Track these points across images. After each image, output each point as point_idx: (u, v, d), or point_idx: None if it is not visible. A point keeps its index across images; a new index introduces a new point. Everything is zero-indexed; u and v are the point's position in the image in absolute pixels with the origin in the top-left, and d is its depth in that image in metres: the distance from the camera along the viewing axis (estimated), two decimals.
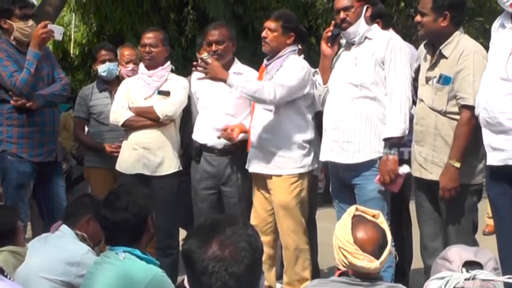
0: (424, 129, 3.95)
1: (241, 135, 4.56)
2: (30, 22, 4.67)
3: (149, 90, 4.88)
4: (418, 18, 3.97)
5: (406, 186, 4.60)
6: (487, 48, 3.81)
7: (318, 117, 4.46)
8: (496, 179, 3.69)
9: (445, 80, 3.83)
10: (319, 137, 4.43)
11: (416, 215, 4.22)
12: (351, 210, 2.77)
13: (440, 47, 3.87)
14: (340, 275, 2.69)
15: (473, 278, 2.18)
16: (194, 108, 4.91)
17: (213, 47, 4.56)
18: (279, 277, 4.74)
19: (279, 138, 4.37)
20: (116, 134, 5.16)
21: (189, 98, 4.92)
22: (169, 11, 10.78)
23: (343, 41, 4.33)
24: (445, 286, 2.20)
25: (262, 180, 4.48)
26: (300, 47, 4.54)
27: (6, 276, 2.76)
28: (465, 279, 2.18)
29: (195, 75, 4.95)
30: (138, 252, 3.01)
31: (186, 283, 1.94)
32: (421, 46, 4.11)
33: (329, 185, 4.51)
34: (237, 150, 4.62)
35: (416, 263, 4.61)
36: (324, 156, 4.29)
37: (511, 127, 3.50)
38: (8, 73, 4.53)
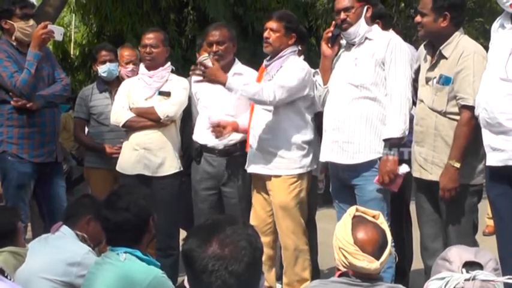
0: (424, 130, 3.95)
1: (240, 135, 4.56)
2: (31, 22, 4.68)
3: (150, 91, 4.88)
4: (418, 18, 3.97)
5: (406, 187, 4.60)
6: (487, 48, 3.81)
7: (318, 118, 4.46)
8: (496, 180, 3.69)
9: (445, 81, 3.84)
10: (319, 137, 4.43)
11: (417, 216, 4.22)
12: (351, 210, 2.77)
13: (440, 48, 3.87)
14: (340, 276, 2.69)
15: (474, 279, 2.18)
16: (194, 108, 4.92)
17: (214, 48, 4.56)
18: (279, 278, 4.74)
19: (278, 138, 4.37)
20: (116, 134, 5.16)
21: (190, 98, 4.92)
22: (169, 12, 10.77)
23: (343, 42, 4.33)
24: (445, 286, 2.20)
25: (261, 181, 4.48)
26: (299, 47, 4.54)
27: (6, 277, 2.77)
28: (465, 280, 2.19)
29: (195, 77, 4.96)
30: (139, 253, 3.01)
31: (186, 283, 1.95)
32: (421, 47, 4.12)
33: (329, 186, 4.51)
34: (237, 151, 4.62)
35: (417, 263, 4.61)
36: (324, 157, 4.29)
37: (510, 127, 3.50)
38: (8, 74, 4.53)
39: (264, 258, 2.78)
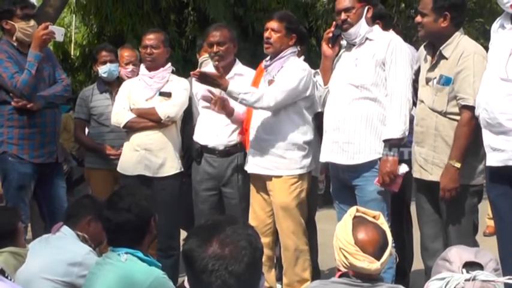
0: (425, 130, 3.95)
1: (239, 136, 4.57)
2: (32, 22, 4.68)
3: (150, 92, 4.88)
4: (418, 18, 3.97)
5: (406, 187, 4.60)
6: (487, 49, 3.81)
7: (318, 118, 4.46)
8: (496, 180, 3.69)
9: (445, 81, 3.84)
10: (319, 138, 4.44)
11: (417, 217, 4.22)
12: (352, 211, 2.77)
13: (441, 48, 3.87)
14: (340, 276, 2.70)
15: (474, 279, 2.18)
16: (195, 109, 4.92)
17: (214, 48, 4.56)
18: (278, 279, 4.74)
19: (280, 139, 4.37)
20: (116, 135, 5.16)
21: (190, 99, 4.92)
22: (169, 12, 10.78)
23: (343, 42, 4.33)
24: (445, 287, 2.20)
25: (261, 182, 4.48)
26: (299, 48, 4.54)
27: (6, 277, 2.77)
28: (465, 280, 2.19)
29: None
30: (140, 253, 3.02)
31: (186, 283, 1.95)
32: (421, 47, 4.12)
33: (329, 186, 4.51)
34: (237, 152, 4.63)
35: (417, 264, 4.62)
36: (324, 157, 4.29)
37: (511, 128, 3.50)
38: (8, 74, 4.53)
39: (263, 259, 2.78)
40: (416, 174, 4.05)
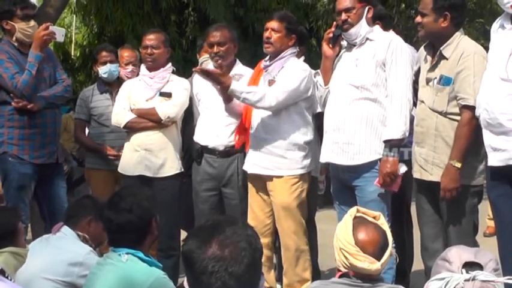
0: (425, 131, 3.95)
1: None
2: (32, 23, 4.68)
3: (151, 92, 4.88)
4: (418, 19, 3.97)
5: (407, 188, 4.60)
6: (488, 49, 3.81)
7: (319, 119, 4.47)
8: (497, 180, 3.69)
9: (445, 81, 3.84)
10: (319, 138, 4.43)
11: (417, 217, 4.22)
12: (352, 211, 2.77)
13: (441, 48, 3.87)
14: (341, 277, 2.69)
15: (473, 279, 2.18)
16: (196, 109, 4.92)
17: (215, 49, 4.56)
18: (277, 279, 4.74)
19: (281, 139, 4.37)
20: (116, 135, 5.16)
21: (191, 99, 4.92)
22: (170, 13, 10.78)
23: (344, 43, 4.33)
24: (445, 287, 2.20)
25: (261, 182, 4.47)
26: (297, 49, 4.54)
27: (7, 277, 2.78)
28: (465, 280, 2.19)
29: (197, 76, 4.96)
30: (141, 254, 3.02)
31: (186, 284, 1.95)
32: (421, 48, 4.12)
33: (330, 187, 4.51)
34: (238, 152, 4.63)
35: (417, 264, 4.61)
36: (324, 158, 4.28)
37: (511, 128, 3.50)
38: (9, 75, 4.53)
39: (262, 259, 2.78)
40: (416, 174, 4.05)
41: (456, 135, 3.79)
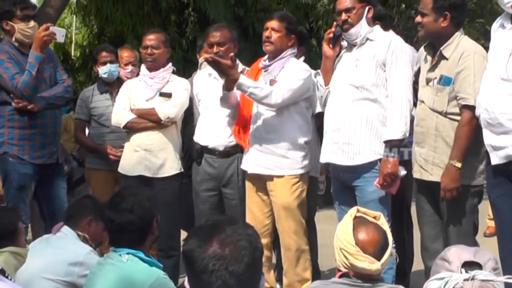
0: (425, 131, 3.95)
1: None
2: (32, 23, 4.68)
3: (151, 92, 4.88)
4: (418, 18, 3.97)
5: (407, 188, 4.61)
6: (488, 49, 3.81)
7: (319, 119, 4.46)
8: (498, 180, 3.68)
9: (445, 81, 3.84)
10: (319, 138, 4.43)
11: (417, 217, 4.22)
12: (352, 211, 2.77)
13: (441, 48, 3.88)
14: (341, 277, 2.69)
15: (473, 279, 2.18)
16: (196, 109, 4.92)
17: (214, 49, 4.55)
18: (276, 280, 4.74)
19: (282, 138, 4.36)
20: (116, 135, 5.16)
21: (191, 99, 4.92)
22: (170, 13, 10.80)
23: (344, 43, 4.33)
24: (444, 287, 2.19)
25: (261, 182, 4.46)
26: (295, 50, 4.53)
27: (7, 277, 2.78)
28: (464, 280, 2.18)
29: (197, 76, 4.97)
30: (141, 254, 3.01)
31: (186, 284, 1.95)
32: (421, 48, 4.12)
33: (330, 187, 4.51)
34: (237, 152, 4.63)
35: (417, 264, 4.61)
36: (324, 158, 4.28)
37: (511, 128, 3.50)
38: (9, 75, 4.53)
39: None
40: (416, 174, 4.05)
41: (456, 135, 3.79)
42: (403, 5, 11.69)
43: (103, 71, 5.34)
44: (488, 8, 12.91)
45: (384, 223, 2.75)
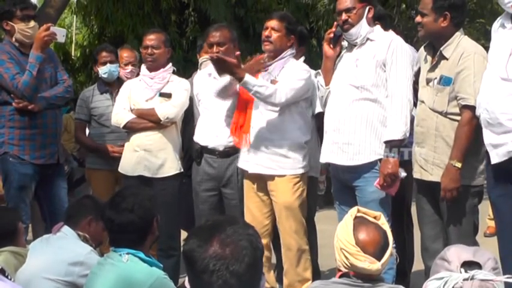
0: (425, 131, 3.95)
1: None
2: (32, 23, 4.67)
3: (151, 92, 4.89)
4: (418, 18, 3.98)
5: (407, 188, 4.60)
6: (488, 49, 3.81)
7: (319, 119, 4.47)
8: (498, 179, 3.68)
9: (445, 81, 3.84)
10: (319, 138, 4.43)
11: (417, 217, 4.22)
12: (353, 211, 2.77)
13: (441, 48, 3.88)
14: (341, 277, 2.69)
15: (472, 278, 2.18)
16: (196, 110, 4.92)
17: (214, 49, 4.55)
18: (276, 280, 4.74)
19: (284, 138, 4.36)
20: (117, 135, 5.16)
21: (191, 99, 4.92)
22: (170, 13, 10.81)
23: (344, 43, 4.33)
24: (443, 286, 2.19)
25: (261, 182, 4.46)
26: (295, 50, 4.53)
27: (7, 277, 2.78)
28: (464, 280, 2.18)
29: (197, 76, 4.96)
30: (141, 254, 3.02)
31: (186, 284, 1.95)
32: (421, 48, 4.12)
33: (330, 187, 4.50)
34: (237, 152, 4.62)
35: (417, 264, 4.62)
36: (324, 158, 4.29)
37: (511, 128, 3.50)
38: (10, 75, 4.53)
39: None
40: (416, 174, 4.05)
41: (456, 135, 3.79)
42: (403, 5, 11.69)
43: (103, 71, 5.34)
44: (489, 8, 12.90)
45: (384, 223, 2.75)
